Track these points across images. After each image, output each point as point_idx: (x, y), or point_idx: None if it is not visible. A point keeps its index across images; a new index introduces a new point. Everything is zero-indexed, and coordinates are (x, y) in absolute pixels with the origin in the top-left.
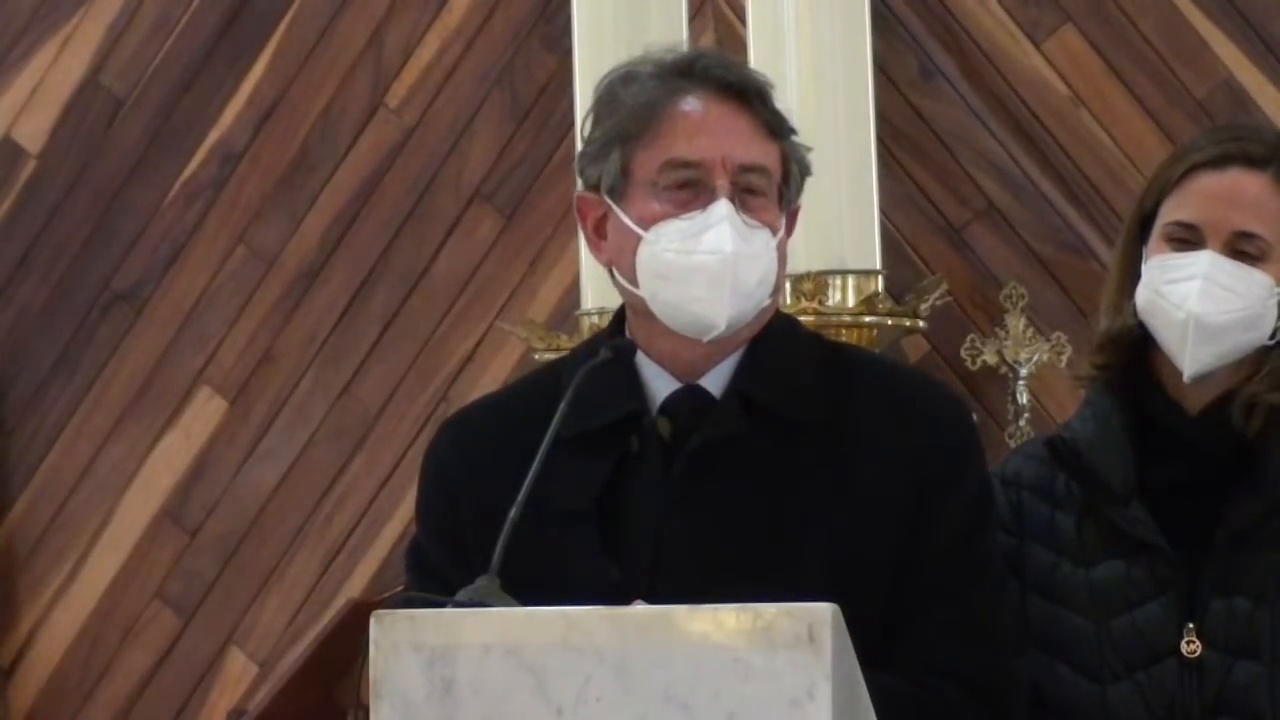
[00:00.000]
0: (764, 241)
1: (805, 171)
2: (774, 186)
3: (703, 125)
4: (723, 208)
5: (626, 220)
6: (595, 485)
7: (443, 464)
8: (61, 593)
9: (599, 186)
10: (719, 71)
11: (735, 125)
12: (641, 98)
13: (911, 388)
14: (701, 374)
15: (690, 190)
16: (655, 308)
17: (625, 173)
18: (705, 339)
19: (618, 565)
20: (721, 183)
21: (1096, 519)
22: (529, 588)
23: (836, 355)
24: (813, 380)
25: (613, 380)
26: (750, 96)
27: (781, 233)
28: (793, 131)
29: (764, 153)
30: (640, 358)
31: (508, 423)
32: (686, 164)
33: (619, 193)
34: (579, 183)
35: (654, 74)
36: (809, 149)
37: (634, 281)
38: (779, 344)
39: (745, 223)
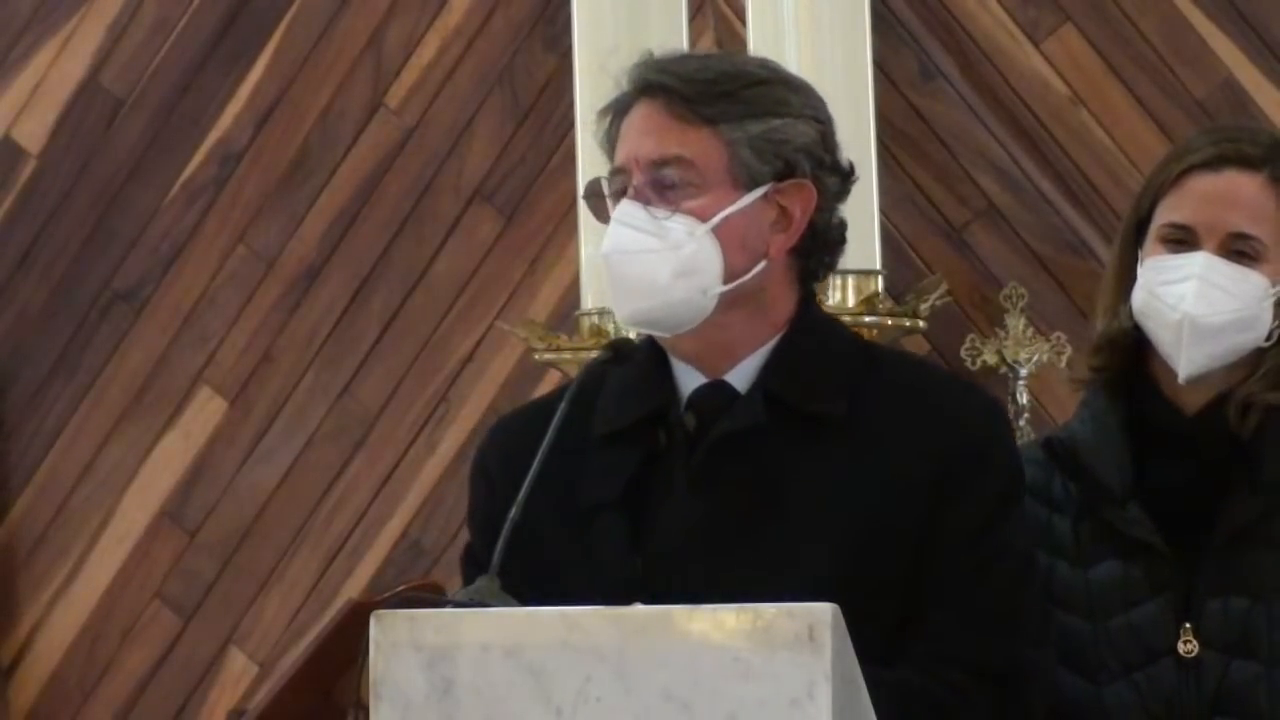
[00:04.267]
0: (682, 231)
1: (777, 148)
2: (707, 173)
3: (628, 130)
4: (618, 208)
5: None
6: (622, 478)
7: (486, 466)
8: (61, 593)
9: None
10: (646, 74)
11: (649, 124)
12: (606, 118)
13: (938, 383)
14: (726, 370)
15: (624, 197)
16: None
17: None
18: (666, 334)
19: (641, 556)
20: (636, 182)
21: (1093, 520)
22: (557, 579)
23: (866, 352)
24: (839, 376)
25: (645, 378)
26: (659, 91)
27: (727, 215)
28: (754, 114)
29: (679, 143)
30: (671, 356)
31: (547, 424)
32: (617, 171)
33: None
34: None
35: (617, 97)
36: (787, 120)
37: None
38: (811, 340)
39: (653, 215)
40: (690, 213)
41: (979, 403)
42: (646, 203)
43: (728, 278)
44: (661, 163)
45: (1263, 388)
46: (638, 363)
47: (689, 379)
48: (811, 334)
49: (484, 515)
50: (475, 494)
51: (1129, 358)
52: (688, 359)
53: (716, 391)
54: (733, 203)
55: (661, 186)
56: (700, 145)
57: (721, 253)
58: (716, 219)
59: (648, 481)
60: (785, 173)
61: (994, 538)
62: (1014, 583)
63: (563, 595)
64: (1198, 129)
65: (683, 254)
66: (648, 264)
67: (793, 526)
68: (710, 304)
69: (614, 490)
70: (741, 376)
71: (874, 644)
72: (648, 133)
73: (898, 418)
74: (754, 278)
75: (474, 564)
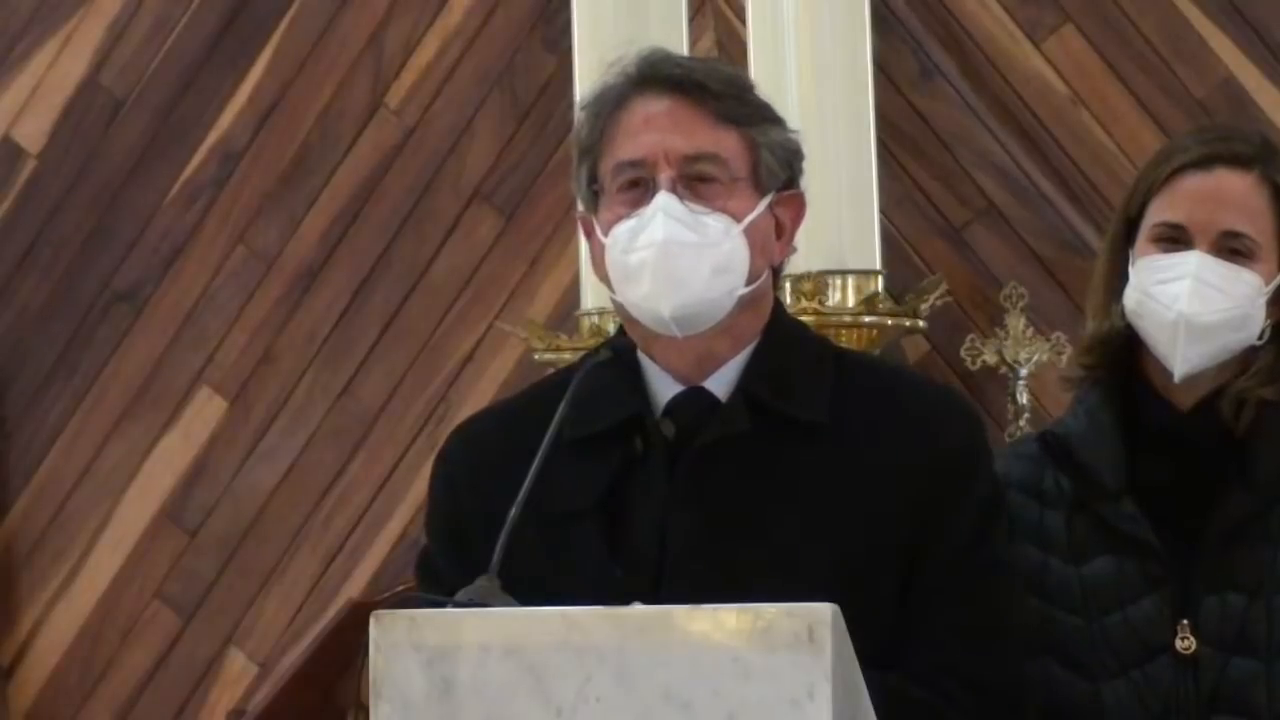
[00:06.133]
0: (719, 228)
1: (789, 157)
2: (737, 173)
3: (646, 124)
4: (659, 199)
5: (599, 230)
6: (599, 486)
7: (449, 471)
8: (61, 593)
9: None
10: (664, 69)
11: (678, 118)
12: (596, 109)
13: (918, 391)
14: (704, 376)
15: (640, 190)
16: (630, 312)
17: (593, 184)
18: (681, 335)
19: (620, 565)
20: (665, 175)
21: (1086, 516)
22: (533, 588)
23: (843, 359)
24: (819, 383)
25: (617, 383)
26: (691, 88)
27: (754, 217)
28: (769, 119)
29: (714, 141)
30: (644, 361)
31: (514, 428)
32: (632, 163)
33: (595, 205)
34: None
35: (613, 84)
36: (794, 131)
37: (613, 289)
38: (786, 347)
39: (691, 210)
40: (724, 211)
41: (960, 411)
42: (681, 198)
43: (749, 280)
44: (696, 158)
45: (1257, 383)
46: (608, 367)
47: (664, 385)
48: (786, 341)
49: (446, 525)
50: (434, 500)
51: (1121, 357)
52: (672, 364)
53: (695, 398)
54: (756, 205)
55: (695, 182)
56: (731, 144)
57: (750, 254)
58: (748, 219)
59: (623, 488)
60: (788, 182)
61: (985, 548)
62: (1006, 594)
63: (539, 599)
64: (1188, 129)
65: (721, 251)
66: (694, 258)
67: (780, 533)
68: (731, 305)
69: (590, 498)
70: (720, 383)
71: (864, 651)
72: (676, 128)
73: (881, 426)
74: (763, 283)
75: (430, 572)
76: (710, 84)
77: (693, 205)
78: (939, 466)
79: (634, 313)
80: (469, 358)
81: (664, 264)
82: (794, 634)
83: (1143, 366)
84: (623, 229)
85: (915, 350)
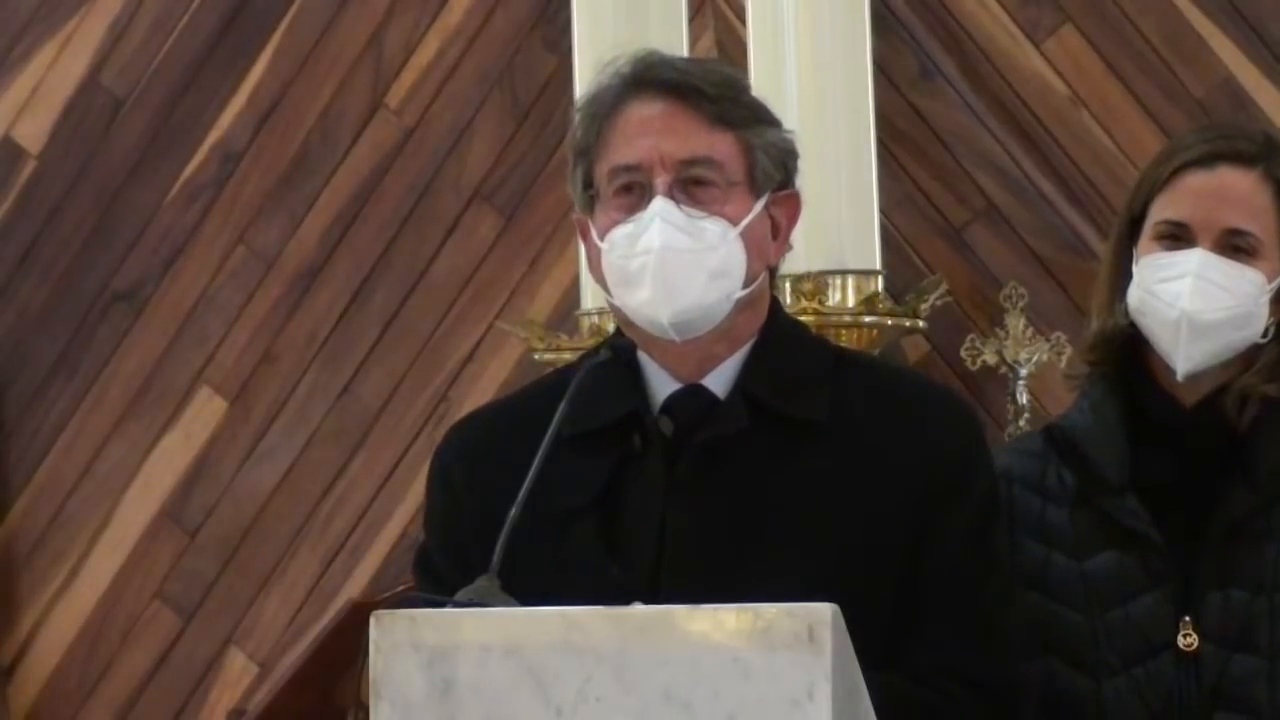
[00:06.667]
0: (716, 233)
1: (784, 157)
2: (733, 176)
3: (642, 128)
4: (655, 205)
5: (594, 233)
6: (596, 484)
7: (446, 468)
8: (61, 593)
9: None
10: (659, 72)
11: (674, 122)
12: (591, 110)
13: (917, 391)
14: (703, 374)
15: (636, 194)
16: (628, 315)
17: (589, 187)
18: (679, 339)
19: (618, 563)
20: (661, 180)
21: (1089, 511)
22: (530, 586)
23: (842, 358)
24: (818, 381)
25: (615, 381)
26: (687, 92)
27: (750, 221)
28: (763, 121)
29: (709, 145)
30: (642, 359)
31: (512, 425)
32: (627, 168)
33: (590, 207)
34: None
35: (608, 86)
36: (788, 131)
37: (609, 292)
38: (784, 345)
39: (688, 215)
40: (721, 215)
41: (959, 412)
42: (677, 203)
43: (746, 282)
44: (692, 162)
45: (1260, 380)
46: (607, 366)
47: (662, 383)
48: (784, 340)
49: (443, 523)
50: (431, 497)
51: (1125, 354)
52: (672, 364)
53: (694, 396)
54: (752, 208)
55: (691, 186)
56: (726, 148)
57: (746, 257)
58: (745, 222)
59: (621, 486)
60: (783, 182)
61: (984, 548)
62: (1004, 594)
63: (537, 598)
64: (1190, 128)
65: (718, 255)
66: (691, 264)
67: (779, 533)
68: (729, 308)
69: (588, 495)
70: (718, 381)
71: (863, 651)
72: (671, 131)
73: (880, 425)
74: (760, 284)
75: (429, 571)
76: (705, 87)
77: (689, 210)
78: (938, 466)
79: (632, 317)
80: (469, 358)
81: (662, 270)
82: (794, 634)
83: (1147, 363)
84: (619, 234)
85: (915, 350)
